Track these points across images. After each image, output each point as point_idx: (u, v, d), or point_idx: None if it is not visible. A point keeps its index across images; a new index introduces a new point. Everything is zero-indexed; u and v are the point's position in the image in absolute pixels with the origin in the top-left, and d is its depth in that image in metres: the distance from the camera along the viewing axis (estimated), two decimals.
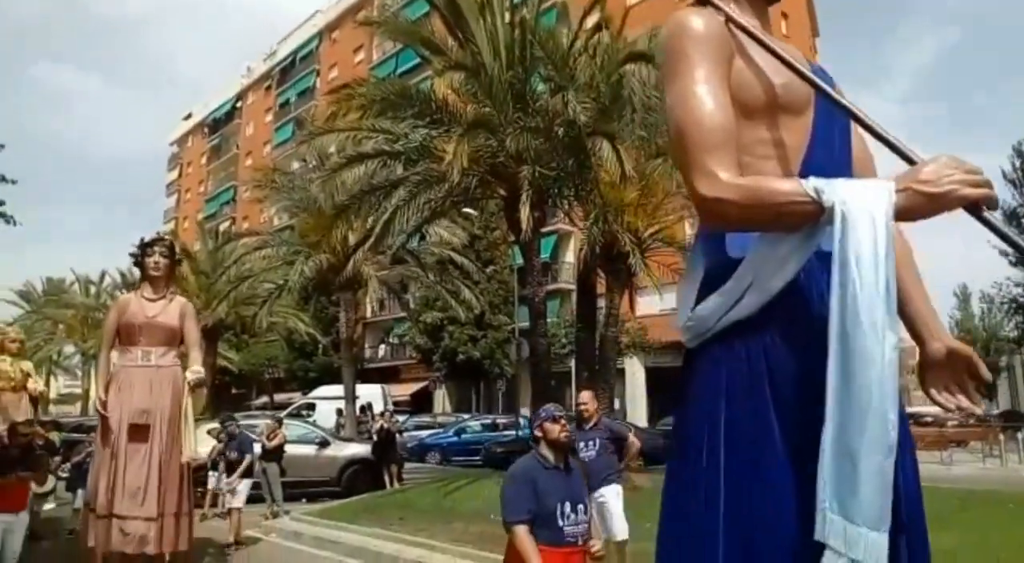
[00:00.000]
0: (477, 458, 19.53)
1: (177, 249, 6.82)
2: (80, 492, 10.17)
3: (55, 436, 14.39)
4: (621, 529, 6.20)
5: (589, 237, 12.87)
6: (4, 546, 6.18)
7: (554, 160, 13.25)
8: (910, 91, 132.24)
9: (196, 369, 6.28)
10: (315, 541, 9.63)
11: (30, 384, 10.23)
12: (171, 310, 6.29)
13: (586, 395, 6.57)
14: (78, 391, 56.48)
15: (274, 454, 11.20)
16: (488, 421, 23.48)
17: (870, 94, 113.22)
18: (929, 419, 32.74)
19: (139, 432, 5.91)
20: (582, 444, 6.12)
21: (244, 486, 9.53)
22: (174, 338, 6.32)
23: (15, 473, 6.09)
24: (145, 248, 6.33)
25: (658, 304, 29.23)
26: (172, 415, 6.07)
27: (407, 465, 16.96)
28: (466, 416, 27.65)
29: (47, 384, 46.19)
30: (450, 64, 12.26)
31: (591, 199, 13.50)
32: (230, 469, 9.67)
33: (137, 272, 6.52)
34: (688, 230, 18.36)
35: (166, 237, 6.55)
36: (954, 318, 62.01)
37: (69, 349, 48.15)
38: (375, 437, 15.49)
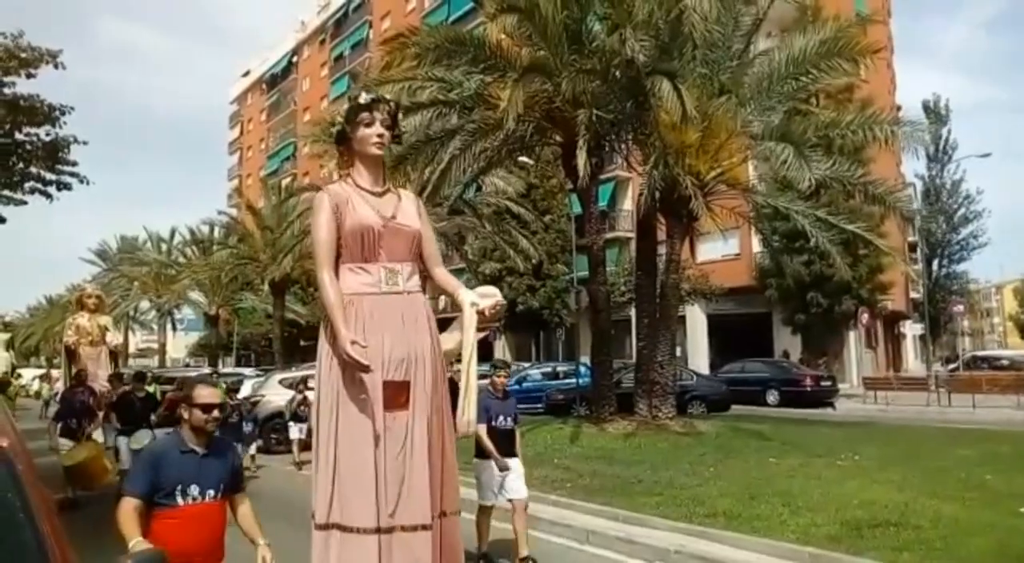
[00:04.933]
0: (539, 405, 19.72)
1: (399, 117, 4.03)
2: (238, 446, 10.35)
3: (153, 388, 15.18)
4: None
5: (649, 181, 12.56)
6: None
7: (612, 103, 12.91)
8: None
9: (491, 290, 4.08)
10: None
11: (108, 338, 10.74)
12: (408, 209, 3.96)
13: None
14: (155, 345, 59.06)
15: None
16: (549, 369, 23.56)
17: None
18: (1005, 362, 31.48)
19: (398, 393, 3.83)
20: None
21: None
22: (415, 250, 4.00)
23: (220, 488, 3.32)
24: (359, 112, 3.76)
25: (720, 249, 28.71)
26: (434, 368, 4.08)
27: None
28: (527, 364, 27.84)
29: (126, 339, 48.51)
30: (503, 6, 11.93)
31: (650, 142, 13.15)
32: None
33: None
34: (752, 172, 17.77)
35: (388, 98, 4.04)
36: None
37: (145, 305, 50.08)
38: None
